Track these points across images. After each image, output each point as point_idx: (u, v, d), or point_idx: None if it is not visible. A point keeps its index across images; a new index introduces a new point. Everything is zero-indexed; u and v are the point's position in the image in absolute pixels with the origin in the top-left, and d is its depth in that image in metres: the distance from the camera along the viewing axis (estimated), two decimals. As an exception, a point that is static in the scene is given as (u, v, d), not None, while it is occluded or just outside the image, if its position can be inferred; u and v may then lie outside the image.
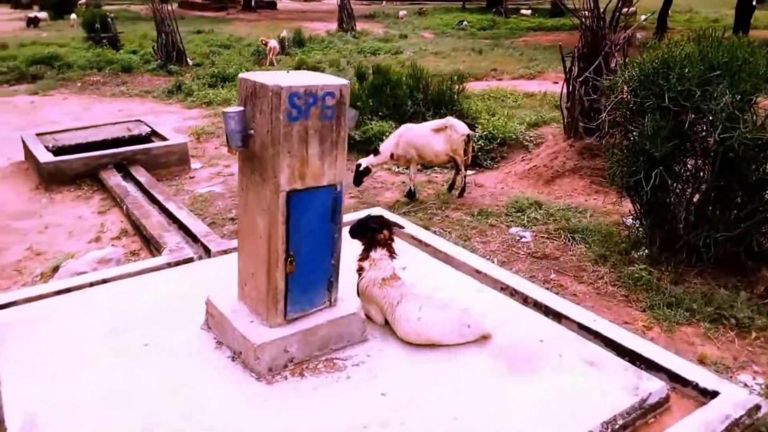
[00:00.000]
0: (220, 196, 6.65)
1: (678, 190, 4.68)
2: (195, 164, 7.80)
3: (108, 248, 5.01)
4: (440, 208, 6.31)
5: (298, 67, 15.40)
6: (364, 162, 6.29)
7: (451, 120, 6.38)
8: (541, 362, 3.21)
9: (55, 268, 4.84)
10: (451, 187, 6.80)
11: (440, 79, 9.65)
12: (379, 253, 3.44)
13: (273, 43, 16.86)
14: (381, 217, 3.65)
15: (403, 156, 6.32)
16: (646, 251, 4.82)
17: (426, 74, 9.24)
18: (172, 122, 10.44)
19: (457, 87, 9.27)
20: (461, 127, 6.32)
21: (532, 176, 7.67)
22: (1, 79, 15.59)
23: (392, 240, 3.55)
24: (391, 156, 6.32)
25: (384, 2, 43.69)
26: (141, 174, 6.84)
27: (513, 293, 4.06)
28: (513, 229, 5.66)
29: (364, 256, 3.48)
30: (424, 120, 8.58)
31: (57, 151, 7.31)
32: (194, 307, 3.61)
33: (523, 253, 5.19)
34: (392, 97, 8.80)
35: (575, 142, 7.56)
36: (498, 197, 6.64)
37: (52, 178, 6.78)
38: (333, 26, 26.46)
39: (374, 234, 3.48)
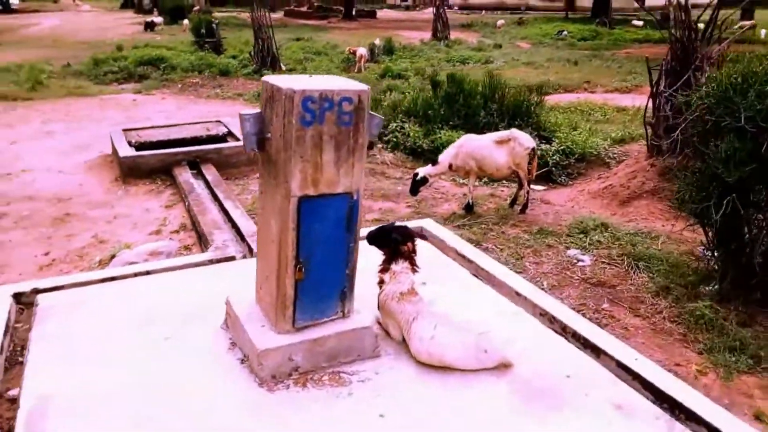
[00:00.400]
0: (280, 197, 6.75)
1: (757, 221, 4.17)
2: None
3: (162, 241, 5.21)
4: (498, 223, 6.04)
5: (383, 75, 15.53)
6: (422, 171, 6.16)
7: (515, 132, 6.10)
8: (562, 400, 2.93)
9: (112, 257, 5.09)
10: (513, 203, 6.50)
11: (519, 89, 9.31)
12: (400, 266, 3.29)
13: (362, 51, 17.10)
14: (405, 228, 3.50)
15: (462, 167, 6.12)
16: (716, 287, 4.34)
17: (503, 84, 8.95)
18: (254, 124, 10.78)
19: (535, 98, 8.90)
20: (525, 140, 6.03)
21: (606, 196, 7.20)
22: (111, 77, 16.89)
23: (415, 253, 3.39)
24: (450, 167, 6.14)
25: (484, 12, 43.23)
26: (210, 172, 7.09)
27: (552, 320, 3.77)
28: (571, 251, 5.30)
29: (385, 267, 3.35)
30: (497, 131, 8.33)
31: (139, 146, 7.75)
32: (221, 305, 3.64)
33: (577, 277, 4.83)
34: (465, 107, 8.60)
35: (657, 161, 7.02)
36: (563, 216, 6.26)
37: (130, 172, 7.18)
38: (428, 35, 26.51)
39: (397, 245, 3.34)
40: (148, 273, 4.37)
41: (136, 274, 4.35)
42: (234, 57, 19.31)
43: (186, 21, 30.42)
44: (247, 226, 5.33)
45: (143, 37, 27.59)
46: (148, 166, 7.22)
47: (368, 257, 3.37)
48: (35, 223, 6.01)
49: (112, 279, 4.27)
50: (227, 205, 5.88)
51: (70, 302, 3.87)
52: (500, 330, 3.43)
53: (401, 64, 16.63)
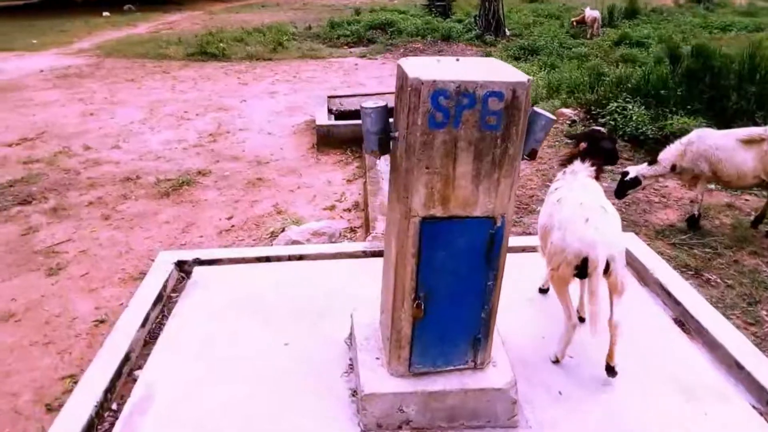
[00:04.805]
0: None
1: None
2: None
3: (326, 221, 5.00)
4: (731, 247, 4.67)
5: (618, 42, 13.64)
6: (633, 171, 4.99)
7: (774, 130, 4.59)
8: None
9: (282, 230, 5.03)
10: (758, 221, 4.98)
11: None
12: (575, 167, 3.08)
13: (595, 14, 15.22)
14: (599, 132, 3.27)
15: (690, 170, 4.81)
16: None
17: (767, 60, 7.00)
18: (461, 94, 10.22)
19: (817, 81, 6.81)
20: (788, 142, 4.50)
21: None
22: (343, 41, 17.63)
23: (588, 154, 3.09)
24: (673, 168, 4.87)
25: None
26: (397, 147, 6.75)
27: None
28: (837, 305, 3.82)
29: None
30: (753, 122, 6.60)
31: (338, 114, 7.73)
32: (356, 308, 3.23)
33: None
34: (711, 88, 6.91)
35: None
36: (833, 248, 4.62)
37: (323, 141, 7.19)
38: (687, -5, 23.01)
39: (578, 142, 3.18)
40: (300, 258, 4.17)
41: (289, 257, 4.18)
42: (459, 21, 18.78)
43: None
44: (416, 215, 4.86)
45: (382, 0, 28.50)
46: (340, 136, 7.14)
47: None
48: (230, 185, 6.30)
49: (267, 259, 4.15)
50: (402, 187, 5.47)
51: (218, 280, 3.82)
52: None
53: (642, 30, 14.42)
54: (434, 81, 2.00)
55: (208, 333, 3.25)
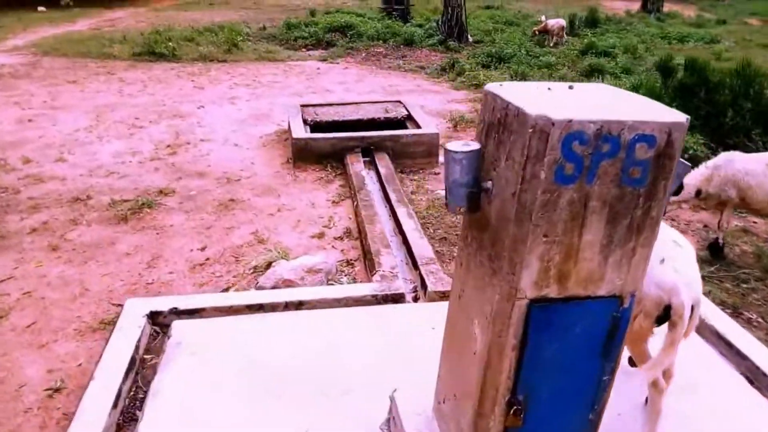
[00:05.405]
0: (463, 204, 5.61)
1: None
2: (443, 158, 6.88)
3: (321, 256, 4.36)
4: (762, 279, 4.33)
5: (585, 51, 13.51)
6: (657, 196, 4.59)
7: (808, 155, 4.28)
8: None
9: (268, 265, 4.36)
10: (783, 250, 4.69)
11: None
12: None
13: (561, 22, 15.07)
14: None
15: (716, 196, 4.45)
16: None
17: (760, 76, 6.82)
18: (434, 104, 9.75)
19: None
20: (824, 168, 4.20)
21: None
22: (301, 43, 16.89)
23: None
24: (698, 193, 4.51)
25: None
26: (384, 164, 6.16)
27: None
28: None
29: None
30: (748, 139, 6.39)
31: (314, 126, 7.07)
32: (381, 381, 2.63)
33: None
34: (707, 104, 6.67)
35: None
36: None
37: (300, 155, 6.52)
38: (636, 6, 23.44)
39: None
40: (300, 305, 3.53)
41: (286, 305, 3.53)
42: (420, 26, 18.37)
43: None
44: (421, 246, 4.29)
45: (335, 2, 27.81)
46: (319, 150, 6.49)
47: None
48: (199, 207, 5.55)
49: (260, 308, 3.50)
50: (400, 212, 4.90)
51: (206, 340, 3.14)
52: None
53: (608, 40, 14.39)
54: (569, 121, 1.43)
55: (202, 418, 2.57)
